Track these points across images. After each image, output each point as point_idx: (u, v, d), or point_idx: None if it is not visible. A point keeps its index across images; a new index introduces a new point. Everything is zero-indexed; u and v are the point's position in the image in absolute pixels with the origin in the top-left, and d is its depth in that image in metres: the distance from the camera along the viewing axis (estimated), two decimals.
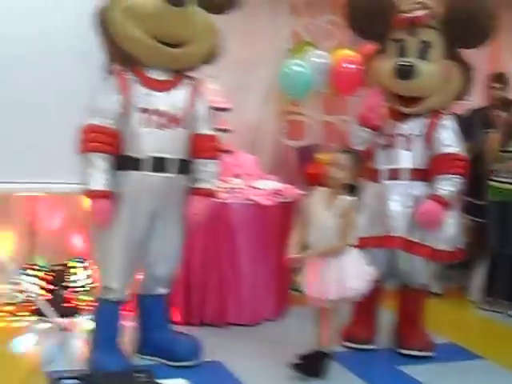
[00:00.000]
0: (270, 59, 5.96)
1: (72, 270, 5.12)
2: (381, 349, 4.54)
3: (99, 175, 3.70)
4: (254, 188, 5.05)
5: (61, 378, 1.72)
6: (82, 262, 5.18)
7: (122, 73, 3.80)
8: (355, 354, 4.46)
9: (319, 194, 3.97)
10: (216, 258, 4.73)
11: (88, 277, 5.13)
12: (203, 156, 3.92)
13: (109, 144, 3.72)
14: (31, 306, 4.79)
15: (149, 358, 4.04)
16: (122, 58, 3.82)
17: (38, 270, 5.00)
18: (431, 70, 4.32)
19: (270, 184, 5.17)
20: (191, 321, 4.73)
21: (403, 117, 4.45)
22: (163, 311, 4.17)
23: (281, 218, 4.88)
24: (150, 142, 3.78)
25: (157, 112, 3.78)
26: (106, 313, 3.91)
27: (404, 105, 4.42)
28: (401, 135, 4.42)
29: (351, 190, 3.99)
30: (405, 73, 4.28)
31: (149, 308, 4.08)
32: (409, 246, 4.35)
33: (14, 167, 4.52)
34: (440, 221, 4.30)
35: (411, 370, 4.22)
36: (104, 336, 3.88)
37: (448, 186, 4.28)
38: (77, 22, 4.18)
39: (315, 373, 3.96)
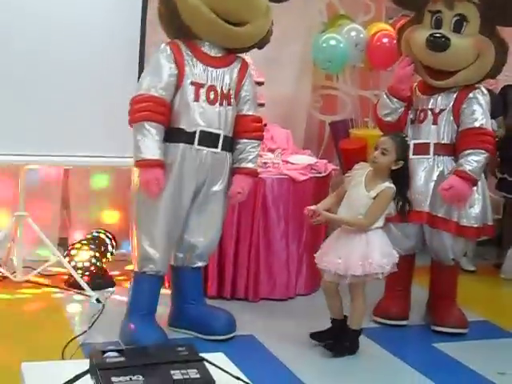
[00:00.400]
0: (304, 33, 5.91)
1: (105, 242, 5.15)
2: (414, 325, 4.54)
3: (152, 144, 3.68)
4: (288, 163, 5.04)
5: (104, 351, 1.72)
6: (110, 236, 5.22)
7: (177, 45, 3.81)
8: (388, 330, 4.46)
9: (361, 172, 3.95)
10: (249, 233, 4.73)
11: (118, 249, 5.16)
12: (248, 136, 3.98)
13: (161, 114, 3.71)
14: (69, 278, 4.85)
15: (183, 331, 4.08)
16: (180, 30, 3.83)
17: (78, 243, 5.04)
18: (463, 43, 4.26)
19: (304, 159, 5.15)
20: (224, 295, 4.74)
21: (432, 90, 4.41)
22: (200, 285, 4.21)
23: (314, 193, 4.85)
24: (202, 116, 3.80)
25: (211, 87, 3.81)
26: (146, 286, 3.93)
27: (434, 77, 4.38)
28: (429, 109, 4.39)
29: (396, 177, 3.93)
30: (436, 45, 4.23)
31: (186, 281, 4.09)
32: (433, 221, 4.33)
33: (47, 140, 4.56)
34: (465, 196, 4.24)
35: (444, 347, 4.21)
36: (142, 309, 3.91)
37: (473, 161, 4.20)
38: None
39: (345, 351, 3.98)
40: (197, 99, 3.78)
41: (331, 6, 6.04)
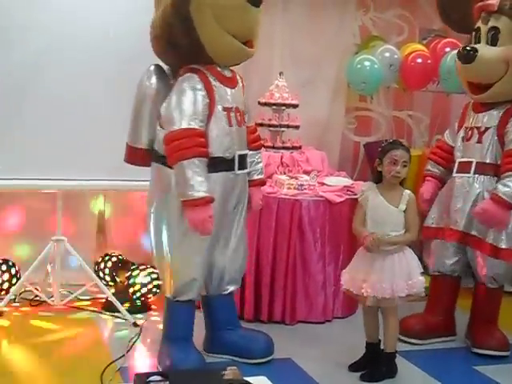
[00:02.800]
0: (337, 55, 5.91)
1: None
2: (455, 348, 4.48)
3: (201, 181, 3.55)
4: (324, 184, 5.02)
5: (147, 375, 1.71)
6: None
7: (202, 71, 3.71)
8: (427, 352, 4.40)
9: (372, 191, 3.91)
10: (285, 255, 4.70)
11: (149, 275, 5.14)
12: (254, 147, 4.03)
13: (203, 147, 3.60)
14: (104, 301, 4.86)
15: (219, 356, 4.03)
16: (197, 54, 3.70)
17: (109, 268, 5.05)
18: (491, 53, 4.24)
19: (340, 180, 5.13)
20: (261, 318, 4.72)
21: (481, 108, 4.40)
22: (234, 309, 4.18)
23: (350, 215, 4.79)
24: (237, 140, 3.79)
25: (236, 109, 3.79)
26: (181, 313, 3.89)
27: (473, 92, 4.39)
28: (475, 127, 4.38)
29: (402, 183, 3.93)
30: (464, 56, 4.26)
31: (220, 308, 4.05)
32: (468, 240, 4.32)
33: (87, 165, 4.59)
34: (500, 220, 4.16)
35: (486, 369, 4.14)
36: (178, 336, 3.87)
37: (507, 183, 4.13)
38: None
39: (383, 376, 3.94)
40: (230, 124, 3.74)
41: (364, 28, 6.03)
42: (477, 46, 4.26)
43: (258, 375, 2.18)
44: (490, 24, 4.27)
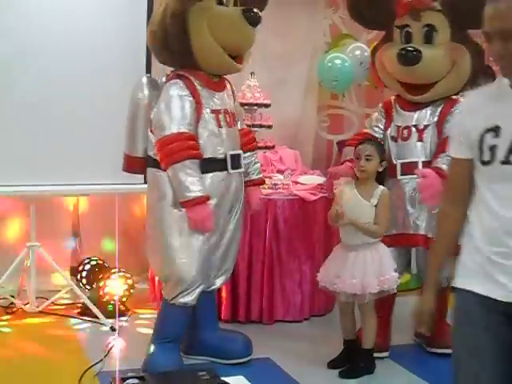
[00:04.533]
0: (308, 53, 5.93)
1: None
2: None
3: (197, 180, 3.68)
4: (298, 183, 5.04)
5: (125, 378, 1.70)
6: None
7: (186, 77, 3.80)
8: (406, 348, 4.41)
9: (349, 186, 3.95)
10: (261, 255, 4.72)
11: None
12: (249, 149, 4.10)
13: (196, 149, 3.72)
14: (81, 306, 4.83)
15: (197, 358, 4.01)
16: (187, 59, 3.80)
17: (86, 272, 5.02)
18: (436, 53, 4.10)
19: (313, 179, 5.15)
20: (238, 318, 4.72)
21: (415, 106, 4.23)
22: (214, 308, 4.19)
23: (325, 213, 4.81)
24: (228, 140, 3.86)
25: (225, 111, 3.87)
26: (177, 316, 3.86)
27: (412, 93, 4.20)
28: (413, 126, 4.19)
29: (380, 178, 3.97)
30: (408, 58, 4.06)
31: (200, 304, 3.99)
32: (428, 243, 3.98)
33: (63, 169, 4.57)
34: (437, 192, 3.85)
35: None
36: (169, 337, 3.84)
37: (446, 159, 3.85)
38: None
39: (352, 373, 3.96)
40: (220, 126, 3.83)
41: (334, 27, 6.06)
42: (416, 46, 4.08)
43: (236, 375, 2.16)
44: (424, 21, 4.11)
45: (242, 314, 4.72)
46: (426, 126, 4.17)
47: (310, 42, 5.95)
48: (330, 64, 5.49)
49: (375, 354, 4.10)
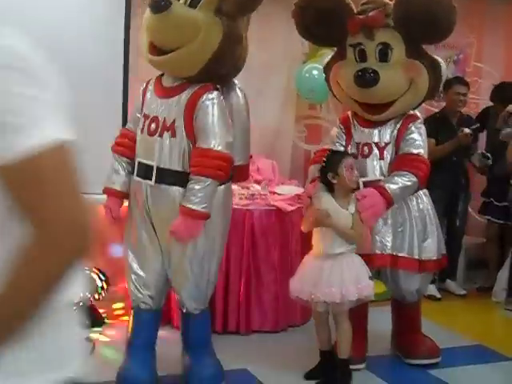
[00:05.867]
0: (286, 64, 5.95)
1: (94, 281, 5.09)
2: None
3: (113, 175, 3.84)
4: (275, 193, 5.04)
5: None
6: (100, 273, 5.15)
7: (150, 80, 3.88)
8: (383, 359, 4.42)
9: (326, 194, 3.94)
10: (238, 265, 4.71)
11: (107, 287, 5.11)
12: (192, 171, 3.59)
13: (120, 145, 3.87)
14: None
15: None
16: None
17: None
18: (393, 73, 4.03)
19: (291, 189, 5.15)
20: (215, 329, 4.69)
21: (373, 123, 4.18)
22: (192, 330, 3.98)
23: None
24: (141, 147, 3.79)
25: (154, 118, 3.73)
26: (138, 320, 3.84)
27: (371, 112, 4.14)
28: (374, 143, 4.15)
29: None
30: (365, 81, 3.99)
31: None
32: (396, 262, 4.09)
33: None
34: (377, 211, 3.93)
35: (440, 373, 4.21)
36: (136, 345, 3.81)
37: (398, 181, 3.94)
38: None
39: (337, 382, 3.99)
40: (142, 131, 3.78)
41: None
42: (371, 66, 4.02)
43: None
44: (378, 39, 4.04)
45: (219, 325, 4.71)
46: (386, 144, 4.14)
47: (288, 52, 5.97)
48: (307, 75, 5.52)
49: (352, 366, 4.09)
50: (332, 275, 3.84)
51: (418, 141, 4.08)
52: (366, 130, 4.20)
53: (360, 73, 4.01)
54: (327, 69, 4.37)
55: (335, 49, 4.40)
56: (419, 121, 4.19)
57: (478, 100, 6.63)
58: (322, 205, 3.91)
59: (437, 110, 6.06)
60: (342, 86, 4.23)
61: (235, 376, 3.97)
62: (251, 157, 5.17)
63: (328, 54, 5.66)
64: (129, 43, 4.78)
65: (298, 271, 4.02)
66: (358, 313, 4.09)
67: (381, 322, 4.49)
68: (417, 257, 4.11)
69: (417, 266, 4.12)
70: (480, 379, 4.16)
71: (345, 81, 4.17)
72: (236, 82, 4.00)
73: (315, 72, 5.50)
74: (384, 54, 4.06)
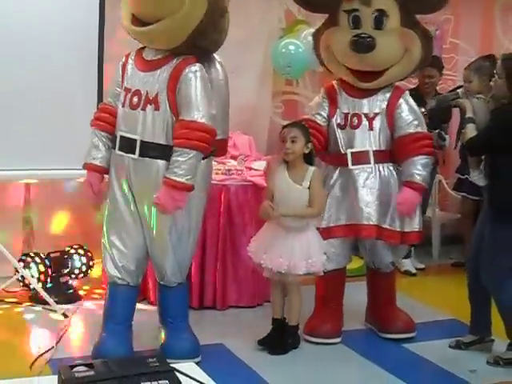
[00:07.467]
0: (263, 39, 5.91)
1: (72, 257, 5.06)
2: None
3: (93, 150, 3.81)
4: (251, 169, 5.03)
5: (72, 366, 1.68)
6: (81, 249, 5.12)
7: (129, 54, 3.82)
8: (357, 334, 4.44)
9: (280, 168, 3.96)
10: (215, 241, 4.71)
11: (88, 263, 5.09)
12: (175, 144, 3.58)
13: (101, 120, 3.82)
14: (32, 293, 4.77)
15: None
16: None
17: (36, 258, 4.94)
18: (389, 41, 4.03)
19: None
20: (191, 304, 4.69)
21: (363, 93, 4.17)
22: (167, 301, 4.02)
23: None
24: (123, 121, 3.75)
25: (136, 92, 3.70)
26: (115, 296, 3.83)
27: (363, 80, 4.13)
28: (363, 114, 4.15)
29: (309, 160, 3.98)
30: (362, 46, 3.98)
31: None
32: (381, 233, 4.11)
33: (10, 154, 4.48)
34: (416, 206, 4.12)
35: (415, 347, 4.24)
36: (112, 320, 3.81)
37: (421, 168, 4.04)
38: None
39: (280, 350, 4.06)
40: (123, 105, 3.75)
41: (289, 13, 6.04)
42: (369, 32, 4.00)
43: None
44: (374, 6, 4.00)
45: (195, 300, 4.71)
46: (376, 115, 4.14)
47: (265, 27, 5.93)
48: (283, 50, 5.50)
49: (328, 340, 4.17)
50: (283, 246, 3.89)
51: (412, 116, 4.12)
52: (356, 100, 4.19)
53: (356, 38, 4.00)
54: (317, 35, 4.33)
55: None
56: (407, 92, 4.24)
57: (455, 77, 6.63)
58: (275, 181, 3.93)
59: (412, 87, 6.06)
60: (335, 54, 4.19)
61: (211, 351, 3.96)
62: None
63: (304, 29, 5.67)
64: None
65: (258, 233, 4.09)
66: (334, 287, 4.11)
67: (356, 296, 4.52)
68: (399, 229, 4.14)
69: (399, 238, 4.16)
70: (454, 353, 4.19)
71: (339, 47, 4.14)
72: (216, 56, 3.95)
73: (292, 47, 5.49)
74: (379, 21, 4.04)
